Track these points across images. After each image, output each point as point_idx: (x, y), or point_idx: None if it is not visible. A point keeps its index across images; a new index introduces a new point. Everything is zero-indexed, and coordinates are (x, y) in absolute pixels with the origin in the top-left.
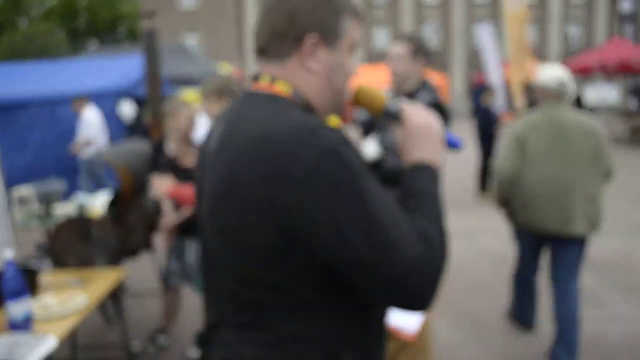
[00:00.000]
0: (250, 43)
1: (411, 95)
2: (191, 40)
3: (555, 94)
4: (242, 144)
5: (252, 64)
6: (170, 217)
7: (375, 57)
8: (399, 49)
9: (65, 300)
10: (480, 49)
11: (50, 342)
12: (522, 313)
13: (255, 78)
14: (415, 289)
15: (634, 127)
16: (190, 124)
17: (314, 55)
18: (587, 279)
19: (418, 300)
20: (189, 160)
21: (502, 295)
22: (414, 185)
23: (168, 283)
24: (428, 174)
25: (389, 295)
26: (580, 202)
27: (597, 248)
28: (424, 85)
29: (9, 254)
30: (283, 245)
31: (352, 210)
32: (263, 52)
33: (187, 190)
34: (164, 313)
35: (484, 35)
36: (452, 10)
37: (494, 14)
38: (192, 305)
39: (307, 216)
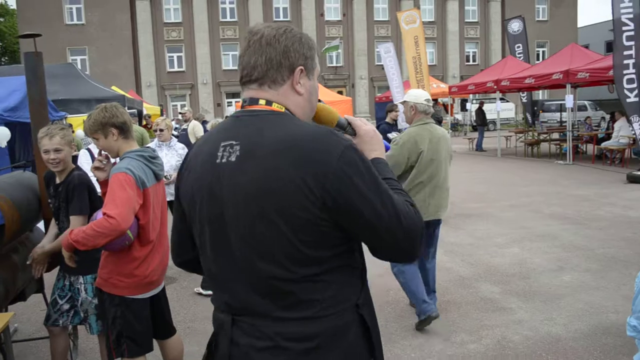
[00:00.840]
0: (147, 67)
1: None
2: (77, 58)
3: (426, 110)
4: (273, 149)
5: (147, 89)
6: (40, 248)
7: None
8: None
9: None
10: (384, 67)
11: None
12: (424, 299)
13: (252, 102)
14: (414, 241)
15: (530, 140)
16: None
17: (301, 82)
18: (492, 287)
19: (415, 250)
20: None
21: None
22: (381, 174)
23: (54, 325)
24: (385, 166)
25: (396, 250)
26: (445, 194)
27: (499, 258)
28: None
29: None
30: (327, 222)
31: (374, 189)
32: (257, 80)
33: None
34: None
35: (385, 54)
36: (354, 28)
37: (396, 33)
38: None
39: (346, 196)
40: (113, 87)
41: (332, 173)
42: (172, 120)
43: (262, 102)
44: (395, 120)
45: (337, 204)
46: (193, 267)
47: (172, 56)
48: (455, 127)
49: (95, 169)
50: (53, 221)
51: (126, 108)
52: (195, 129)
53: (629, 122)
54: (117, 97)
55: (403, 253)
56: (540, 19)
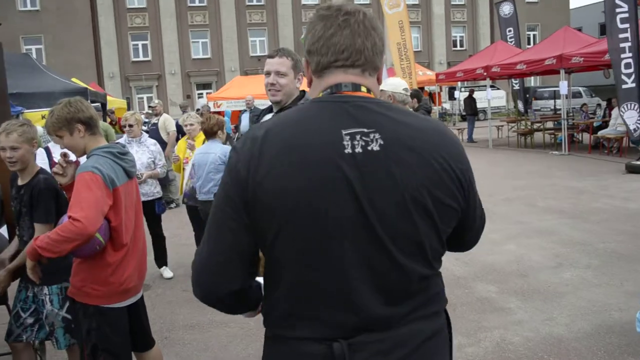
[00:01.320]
0: (110, 56)
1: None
2: (32, 47)
3: (404, 100)
4: (421, 138)
5: (110, 80)
6: (4, 269)
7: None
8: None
9: None
10: None
11: None
12: None
13: (355, 88)
14: (480, 234)
15: (523, 130)
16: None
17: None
18: (489, 287)
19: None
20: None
21: None
22: None
23: (17, 340)
24: None
25: (474, 242)
26: None
27: (494, 256)
28: (303, 97)
29: None
30: (461, 213)
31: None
32: (361, 65)
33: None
34: None
35: None
36: None
37: (378, 17)
38: None
39: (472, 188)
40: (73, 79)
41: (466, 164)
42: (141, 114)
43: (363, 89)
44: None
45: (467, 196)
46: (238, 301)
47: (137, 44)
48: (443, 117)
49: (55, 174)
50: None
51: (89, 102)
52: (167, 124)
53: (619, 109)
54: (78, 90)
55: (474, 244)
56: (531, 0)
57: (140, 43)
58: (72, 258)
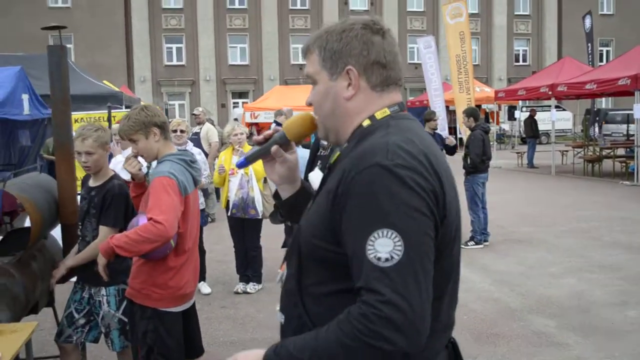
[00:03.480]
0: (142, 59)
1: None
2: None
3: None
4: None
5: (140, 85)
6: (64, 265)
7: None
8: None
9: None
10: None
11: None
12: None
13: (402, 107)
14: None
15: (590, 157)
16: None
17: None
18: (546, 321)
19: None
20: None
21: None
22: None
23: (67, 341)
24: None
25: None
26: None
27: (553, 289)
28: None
29: None
30: None
31: None
32: (399, 84)
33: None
34: None
35: (424, 50)
36: (384, 19)
37: (433, 26)
38: None
39: None
40: (105, 82)
41: None
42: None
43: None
44: (435, 130)
45: None
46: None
47: (171, 47)
48: (501, 138)
49: (138, 170)
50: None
51: (124, 107)
52: (209, 134)
53: None
54: (113, 94)
55: None
56: (605, 12)
57: (174, 46)
58: (130, 260)
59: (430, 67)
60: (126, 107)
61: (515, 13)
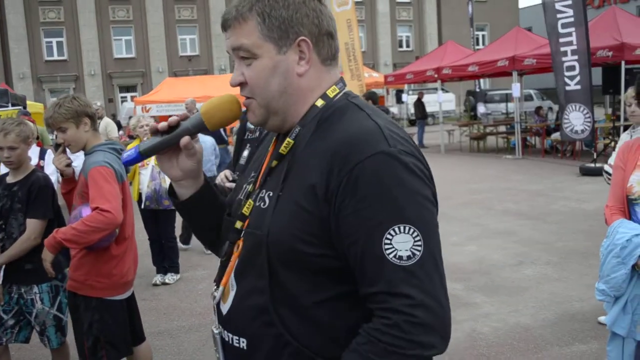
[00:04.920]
0: (20, 54)
1: None
2: None
3: None
4: None
5: (19, 81)
6: None
7: None
8: None
9: None
10: None
11: None
12: None
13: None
14: None
15: (475, 134)
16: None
17: None
18: (454, 285)
19: None
20: None
21: None
22: None
23: None
24: None
25: None
26: None
27: (457, 256)
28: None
29: None
30: None
31: None
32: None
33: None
34: None
35: None
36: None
37: None
38: None
39: None
40: None
41: None
42: None
43: None
44: None
45: None
46: None
47: (51, 42)
48: None
49: (67, 166)
50: None
51: (9, 106)
52: (109, 129)
53: (561, 110)
54: None
55: None
56: None
57: (54, 40)
58: (60, 255)
59: None
60: (13, 105)
61: (397, 1)
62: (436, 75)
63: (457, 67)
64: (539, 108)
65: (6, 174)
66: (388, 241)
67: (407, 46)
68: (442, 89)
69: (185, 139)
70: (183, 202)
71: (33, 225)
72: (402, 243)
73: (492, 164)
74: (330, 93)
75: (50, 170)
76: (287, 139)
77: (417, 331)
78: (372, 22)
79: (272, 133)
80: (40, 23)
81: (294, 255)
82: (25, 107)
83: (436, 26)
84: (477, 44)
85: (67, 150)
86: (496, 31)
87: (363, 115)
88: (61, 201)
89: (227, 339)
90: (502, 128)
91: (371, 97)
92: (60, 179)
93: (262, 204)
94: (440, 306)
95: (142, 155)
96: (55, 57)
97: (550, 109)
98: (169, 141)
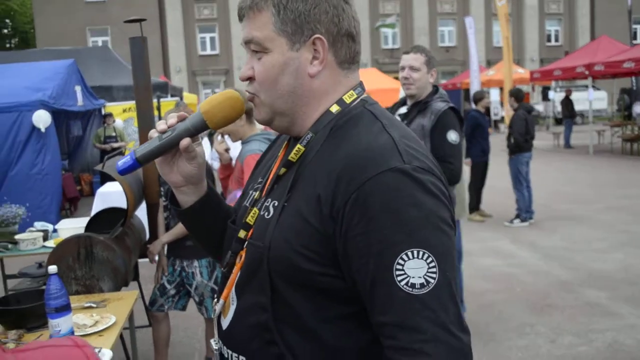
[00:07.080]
0: (176, 50)
1: (426, 103)
2: (98, 39)
3: None
4: None
5: (176, 75)
6: (160, 238)
7: None
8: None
9: (98, 320)
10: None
11: (107, 355)
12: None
13: (364, 88)
14: None
15: (628, 136)
16: None
17: None
18: (597, 293)
19: None
20: None
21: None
22: None
23: (159, 310)
24: None
25: None
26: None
27: (600, 263)
28: (437, 92)
29: (53, 269)
30: None
31: None
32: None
33: None
34: (156, 347)
35: (469, 29)
36: (413, 3)
37: (463, 9)
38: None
39: None
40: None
41: None
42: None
43: None
44: (488, 108)
45: None
46: None
47: (204, 37)
48: (536, 119)
49: (226, 150)
50: (161, 213)
51: (169, 97)
52: None
53: None
54: (159, 84)
55: None
56: None
57: (207, 36)
58: None
59: (472, 47)
60: (172, 96)
61: None
62: (587, 72)
63: (610, 63)
64: None
65: None
66: (400, 267)
67: (556, 41)
68: (593, 87)
69: (185, 141)
70: (184, 211)
71: None
72: (415, 269)
73: None
74: (347, 99)
75: (210, 157)
76: (298, 145)
77: None
78: (519, 16)
79: (284, 136)
80: (196, 20)
81: (295, 272)
82: (182, 99)
83: (589, 19)
84: (635, 39)
85: (227, 138)
86: None
87: (378, 126)
88: (219, 188)
89: (226, 356)
90: None
91: (516, 94)
92: (218, 165)
93: (266, 213)
94: (456, 339)
95: (139, 163)
96: (208, 51)
97: None
98: (167, 144)
